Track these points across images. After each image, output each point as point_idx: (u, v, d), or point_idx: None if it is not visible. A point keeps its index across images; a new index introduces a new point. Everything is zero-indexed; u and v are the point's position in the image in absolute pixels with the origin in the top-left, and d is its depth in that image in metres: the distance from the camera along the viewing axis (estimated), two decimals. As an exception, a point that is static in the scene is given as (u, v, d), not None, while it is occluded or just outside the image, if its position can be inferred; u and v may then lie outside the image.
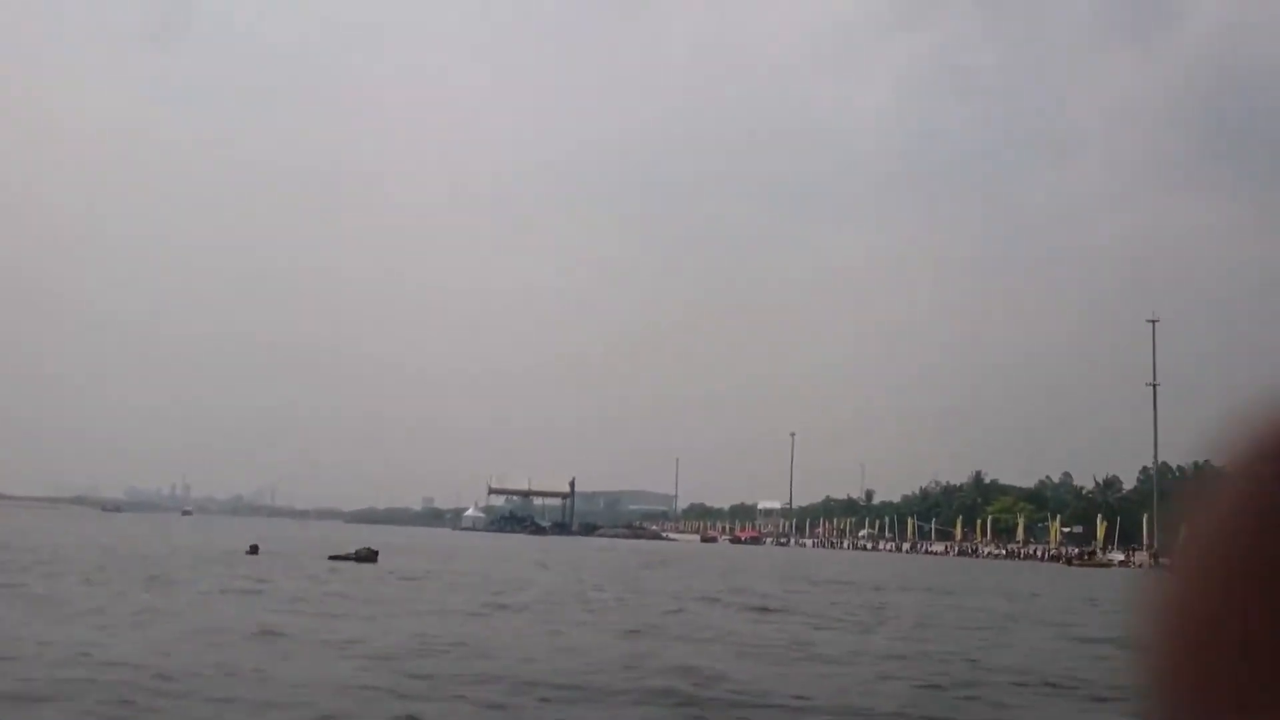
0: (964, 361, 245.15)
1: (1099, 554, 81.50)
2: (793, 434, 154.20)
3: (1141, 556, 78.95)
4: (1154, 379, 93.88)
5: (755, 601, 20.27)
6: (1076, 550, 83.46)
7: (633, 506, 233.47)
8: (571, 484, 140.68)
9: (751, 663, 10.83)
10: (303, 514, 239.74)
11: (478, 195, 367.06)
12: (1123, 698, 9.14)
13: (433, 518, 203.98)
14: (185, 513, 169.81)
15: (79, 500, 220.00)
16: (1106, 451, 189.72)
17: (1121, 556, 79.26)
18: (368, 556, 27.69)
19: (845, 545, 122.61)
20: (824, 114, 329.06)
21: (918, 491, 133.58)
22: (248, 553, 28.22)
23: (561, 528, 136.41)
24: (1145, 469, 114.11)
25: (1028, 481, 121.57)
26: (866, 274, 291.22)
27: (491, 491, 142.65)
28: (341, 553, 28.33)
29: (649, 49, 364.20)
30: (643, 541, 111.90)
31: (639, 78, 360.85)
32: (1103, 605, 25.35)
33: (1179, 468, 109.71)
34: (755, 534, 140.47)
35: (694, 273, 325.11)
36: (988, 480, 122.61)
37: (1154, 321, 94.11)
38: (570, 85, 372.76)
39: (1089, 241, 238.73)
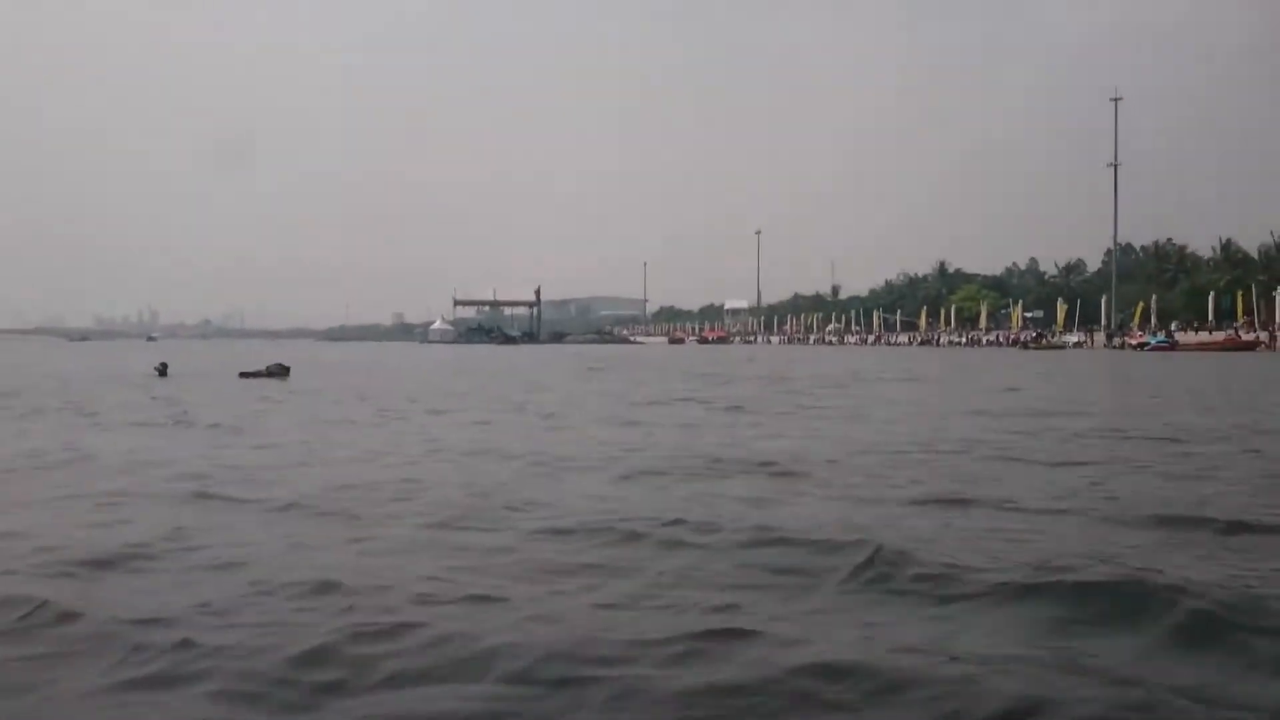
0: (929, 151, 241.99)
1: (1055, 336, 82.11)
2: (758, 232, 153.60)
3: (1099, 338, 79.70)
4: (1115, 159, 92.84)
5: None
6: (1034, 334, 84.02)
7: (604, 313, 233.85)
8: (537, 292, 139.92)
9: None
10: (274, 335, 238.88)
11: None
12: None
13: (403, 333, 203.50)
14: (150, 338, 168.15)
15: (42, 330, 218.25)
16: (1072, 236, 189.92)
17: (1077, 338, 79.84)
18: (278, 372, 27.01)
19: (812, 341, 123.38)
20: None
21: (883, 284, 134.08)
22: (157, 374, 27.26)
23: (530, 337, 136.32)
24: (1109, 251, 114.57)
25: (994, 270, 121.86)
26: (831, 64, 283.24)
27: (457, 303, 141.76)
28: (252, 370, 27.62)
29: None
30: (610, 346, 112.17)
31: None
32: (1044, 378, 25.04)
33: (1141, 248, 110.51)
34: (722, 334, 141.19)
35: (660, 63, 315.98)
36: (951, 270, 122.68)
37: (1116, 100, 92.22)
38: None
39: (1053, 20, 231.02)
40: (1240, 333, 65.64)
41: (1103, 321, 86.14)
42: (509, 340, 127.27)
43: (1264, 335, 63.23)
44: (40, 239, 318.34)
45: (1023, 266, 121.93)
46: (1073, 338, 79.82)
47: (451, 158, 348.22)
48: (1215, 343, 63.24)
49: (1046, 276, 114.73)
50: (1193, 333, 70.17)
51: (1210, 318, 73.78)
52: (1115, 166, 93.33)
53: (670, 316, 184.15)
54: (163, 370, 27.45)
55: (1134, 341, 69.78)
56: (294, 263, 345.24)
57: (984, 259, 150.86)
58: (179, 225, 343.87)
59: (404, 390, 22.65)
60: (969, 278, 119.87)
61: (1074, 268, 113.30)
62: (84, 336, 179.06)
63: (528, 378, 29.67)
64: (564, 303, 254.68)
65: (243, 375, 26.74)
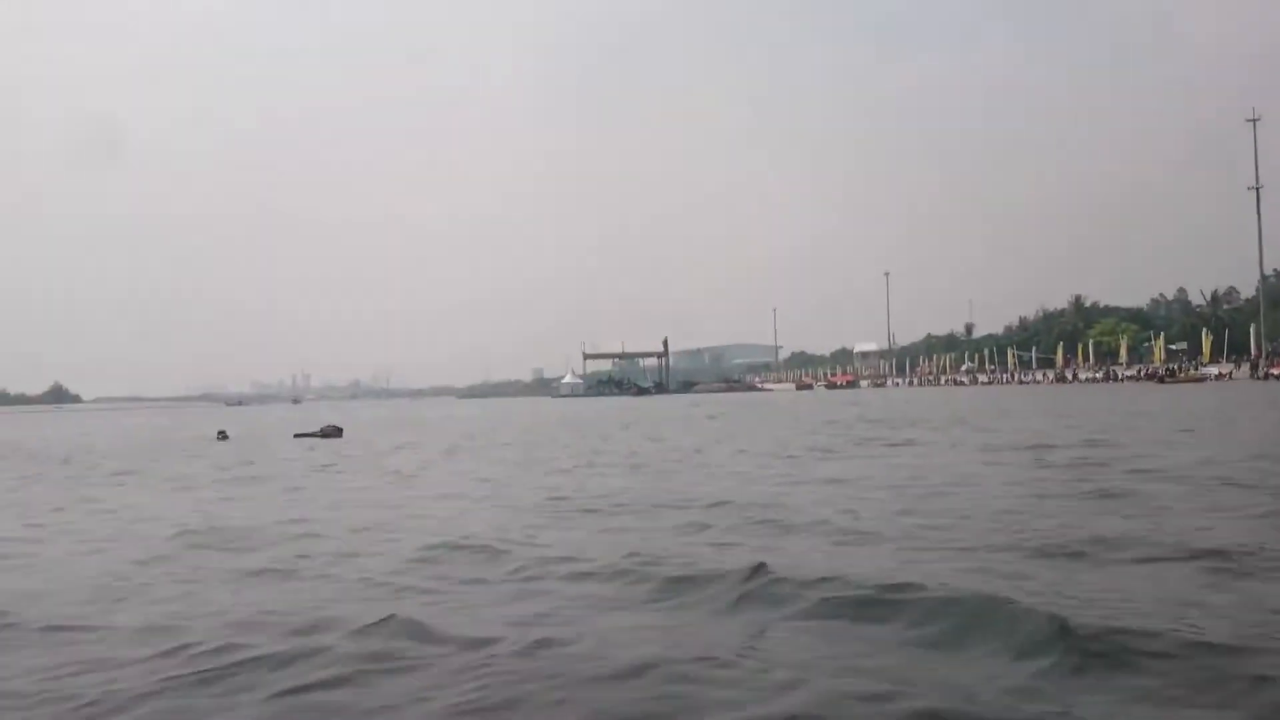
0: (1065, 184, 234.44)
1: (1193, 368, 78.02)
2: (886, 273, 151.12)
3: (1245, 368, 75.36)
4: (1257, 182, 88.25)
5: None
6: (1168, 368, 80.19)
7: (738, 360, 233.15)
8: (665, 342, 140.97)
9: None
10: (418, 393, 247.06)
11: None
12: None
13: (541, 387, 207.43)
14: (295, 401, 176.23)
15: (206, 397, 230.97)
16: (1225, 264, 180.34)
17: (1218, 370, 75.67)
18: (332, 433, 28.35)
19: (943, 381, 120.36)
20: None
21: (1017, 322, 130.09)
22: (217, 439, 28.96)
23: (660, 387, 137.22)
24: (1265, 277, 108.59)
25: (1139, 301, 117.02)
26: (955, 99, 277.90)
27: (586, 357, 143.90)
28: (306, 431, 29.24)
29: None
30: (735, 394, 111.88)
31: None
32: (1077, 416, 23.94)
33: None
34: (850, 377, 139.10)
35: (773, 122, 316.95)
36: (1088, 304, 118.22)
37: (1254, 120, 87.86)
38: None
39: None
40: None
41: (1252, 351, 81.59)
42: (642, 391, 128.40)
43: None
44: (200, 307, 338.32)
45: (1170, 297, 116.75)
46: (1214, 369, 75.66)
47: (595, 212, 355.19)
48: (1364, 371, 59.18)
49: (1194, 307, 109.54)
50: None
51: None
52: (1258, 189, 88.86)
53: (802, 362, 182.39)
54: (222, 435, 29.28)
55: (1276, 371, 65.79)
56: (441, 319, 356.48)
57: (1127, 292, 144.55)
58: (328, 283, 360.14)
59: (441, 447, 23.23)
60: (1107, 311, 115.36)
61: (1222, 297, 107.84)
62: (239, 402, 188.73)
63: (606, 429, 30.04)
64: (698, 351, 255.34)
65: (297, 436, 28.29)
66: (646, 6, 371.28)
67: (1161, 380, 72.24)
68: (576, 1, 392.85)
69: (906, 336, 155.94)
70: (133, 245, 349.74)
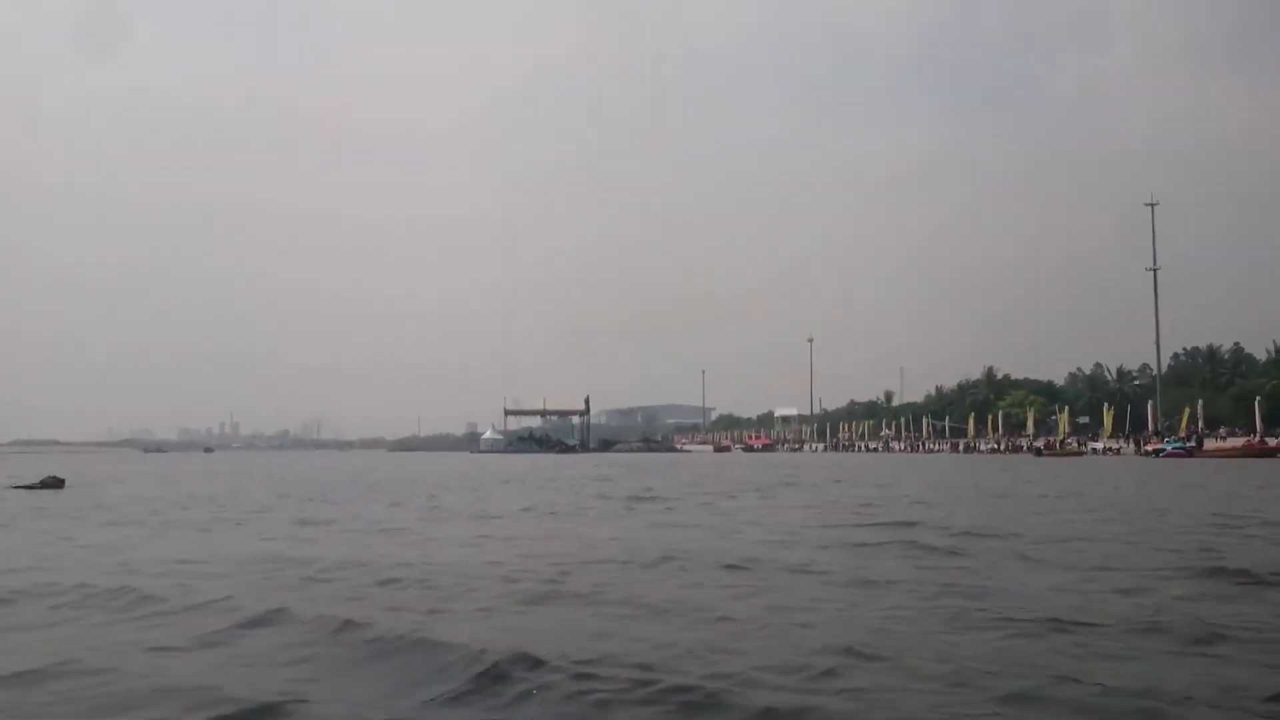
0: (993, 261, 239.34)
1: (1074, 443, 79.47)
2: (810, 339, 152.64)
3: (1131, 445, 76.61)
4: (1154, 263, 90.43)
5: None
6: (1045, 441, 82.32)
7: (670, 420, 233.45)
8: (586, 401, 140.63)
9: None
10: (348, 444, 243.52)
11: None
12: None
13: (469, 442, 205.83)
14: (207, 450, 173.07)
15: (129, 442, 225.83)
16: (1142, 342, 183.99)
17: (1102, 445, 76.91)
18: (53, 484, 28.23)
19: (859, 448, 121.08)
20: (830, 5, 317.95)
21: (934, 391, 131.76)
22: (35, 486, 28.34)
23: (583, 445, 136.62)
24: (1176, 354, 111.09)
25: (1055, 376, 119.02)
26: (886, 172, 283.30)
27: (508, 413, 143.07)
28: (24, 483, 28.87)
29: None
30: (652, 455, 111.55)
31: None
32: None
33: (1193, 349, 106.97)
34: (768, 441, 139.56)
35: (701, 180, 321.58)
36: (1000, 376, 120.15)
37: (1153, 205, 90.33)
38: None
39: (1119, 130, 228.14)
40: (1265, 439, 62.39)
41: (1149, 427, 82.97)
42: (566, 449, 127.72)
43: (1286, 441, 60.06)
44: (132, 357, 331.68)
45: (1087, 372, 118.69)
46: (1100, 444, 76.88)
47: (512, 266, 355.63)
48: (1233, 449, 60.17)
49: (1106, 382, 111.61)
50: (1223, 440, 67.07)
51: (1257, 422, 70.42)
52: (1155, 271, 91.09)
53: (729, 424, 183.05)
54: (50, 482, 28.58)
55: (1151, 448, 66.95)
56: (375, 371, 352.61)
57: (1050, 366, 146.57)
58: (261, 334, 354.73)
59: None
60: (1020, 384, 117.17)
61: (1128, 373, 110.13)
62: (159, 448, 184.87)
63: (446, 482, 29.56)
64: (630, 411, 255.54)
65: (15, 488, 27.88)
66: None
67: (1039, 453, 73.30)
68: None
69: (836, 402, 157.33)
70: (52, 287, 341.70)
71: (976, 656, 5.60)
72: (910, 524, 14.32)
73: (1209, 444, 64.79)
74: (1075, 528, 13.90)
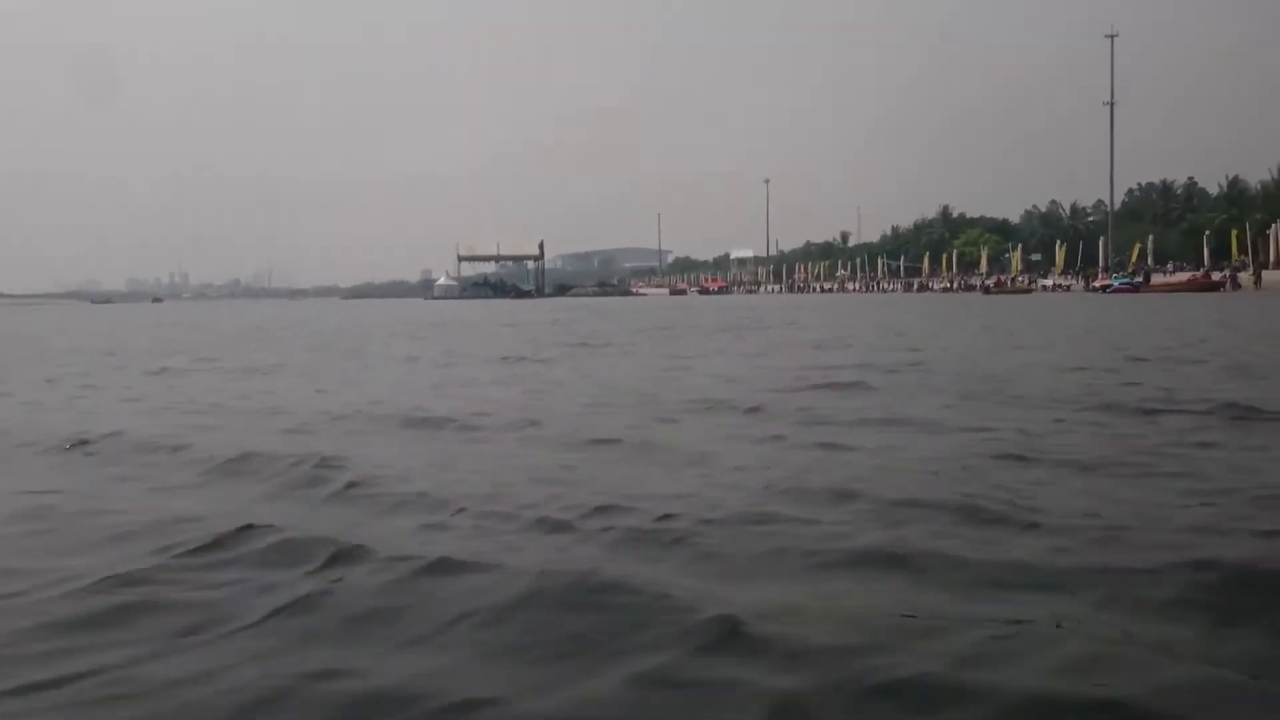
0: (953, 97, 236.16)
1: (1024, 281, 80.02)
2: (767, 180, 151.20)
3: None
4: (1111, 98, 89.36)
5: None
6: (996, 279, 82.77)
7: (626, 264, 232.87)
8: (540, 246, 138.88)
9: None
10: (300, 293, 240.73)
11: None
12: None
13: (424, 289, 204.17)
14: (156, 299, 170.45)
15: (74, 295, 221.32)
16: (1099, 175, 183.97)
17: (1051, 282, 77.41)
18: None
19: (814, 289, 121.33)
20: None
21: (890, 231, 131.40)
22: None
23: (538, 290, 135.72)
24: (1130, 190, 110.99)
25: (1014, 214, 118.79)
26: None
27: (461, 259, 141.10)
28: None
29: None
30: (608, 298, 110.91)
31: None
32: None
33: (1148, 185, 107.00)
34: (723, 284, 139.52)
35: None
36: (955, 214, 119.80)
37: (1112, 36, 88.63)
38: None
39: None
40: (1211, 274, 62.97)
41: (1100, 263, 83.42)
42: (522, 294, 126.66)
43: (1229, 275, 60.61)
44: (80, 200, 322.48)
45: (1043, 209, 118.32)
46: (1049, 281, 77.38)
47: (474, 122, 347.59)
48: (1179, 283, 60.72)
49: (1059, 219, 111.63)
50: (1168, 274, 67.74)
51: (1205, 257, 70.92)
52: (1111, 105, 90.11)
53: (686, 267, 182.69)
54: None
55: (1098, 284, 67.43)
56: (331, 224, 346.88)
57: (1000, 204, 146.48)
58: (210, 185, 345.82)
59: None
60: (975, 222, 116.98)
61: (1082, 210, 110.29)
62: (107, 300, 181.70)
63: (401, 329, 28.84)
64: (588, 255, 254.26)
65: None
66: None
67: (987, 291, 73.51)
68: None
69: (793, 244, 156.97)
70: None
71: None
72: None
73: (1156, 279, 65.33)
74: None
